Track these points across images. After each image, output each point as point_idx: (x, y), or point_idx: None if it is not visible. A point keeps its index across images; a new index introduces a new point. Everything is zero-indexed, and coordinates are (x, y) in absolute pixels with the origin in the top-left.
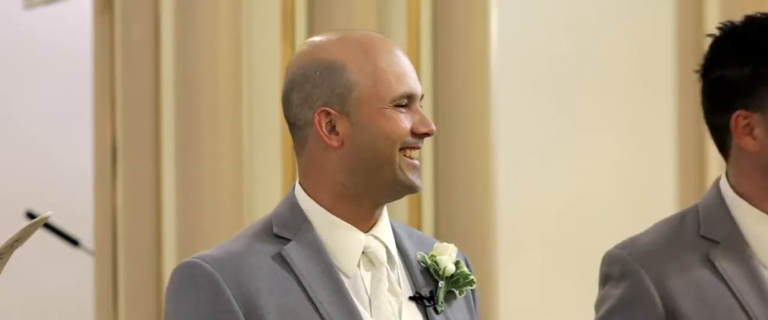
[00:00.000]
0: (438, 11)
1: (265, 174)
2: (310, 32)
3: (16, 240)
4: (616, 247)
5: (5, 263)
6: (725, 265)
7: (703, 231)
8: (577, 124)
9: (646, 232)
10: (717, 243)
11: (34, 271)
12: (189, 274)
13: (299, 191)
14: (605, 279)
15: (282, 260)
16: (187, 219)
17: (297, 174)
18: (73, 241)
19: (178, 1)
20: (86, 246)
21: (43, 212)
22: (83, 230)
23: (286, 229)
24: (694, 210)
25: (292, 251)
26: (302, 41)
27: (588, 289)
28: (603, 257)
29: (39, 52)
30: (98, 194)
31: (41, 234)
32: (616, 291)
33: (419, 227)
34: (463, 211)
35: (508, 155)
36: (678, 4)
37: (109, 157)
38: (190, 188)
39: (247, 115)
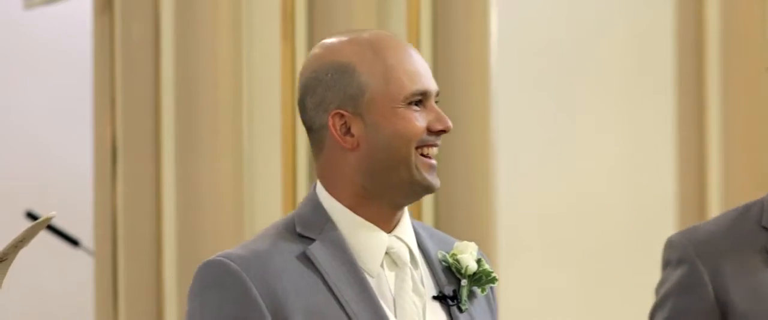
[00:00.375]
0: (438, 11)
1: (265, 174)
2: (310, 32)
3: (21, 241)
4: (678, 233)
5: (10, 264)
6: None
7: (764, 222)
8: (578, 124)
9: (711, 220)
10: None
11: (34, 271)
12: (214, 273)
13: (321, 190)
14: (665, 264)
15: (307, 260)
16: (187, 219)
17: (317, 176)
18: (73, 241)
19: (178, 1)
20: (86, 246)
21: (43, 212)
22: (83, 230)
23: (309, 229)
24: (760, 201)
25: (316, 250)
26: (302, 41)
27: (588, 289)
28: (665, 241)
29: (39, 52)
30: (98, 194)
31: (41, 234)
32: (673, 276)
33: None
34: (463, 211)
35: (508, 155)
36: (678, 3)
37: (109, 157)
38: (190, 188)
39: (247, 115)
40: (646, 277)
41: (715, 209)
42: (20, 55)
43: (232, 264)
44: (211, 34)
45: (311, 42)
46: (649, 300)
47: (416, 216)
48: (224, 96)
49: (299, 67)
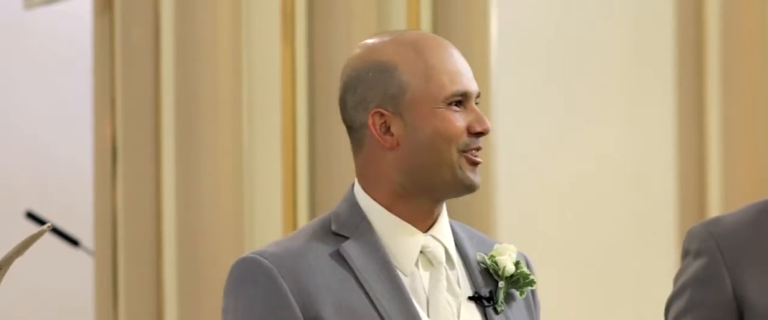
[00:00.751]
0: (438, 11)
1: (265, 174)
2: (310, 32)
3: (16, 252)
4: (701, 223)
5: (4, 274)
6: None
7: None
8: (578, 124)
9: (734, 212)
10: None
11: (33, 271)
12: (247, 270)
13: (358, 190)
14: (685, 254)
15: (340, 257)
16: (187, 219)
17: (356, 174)
18: (73, 241)
19: (178, 1)
20: (86, 246)
21: (44, 212)
22: (83, 230)
23: (344, 227)
24: None
25: (350, 248)
26: (302, 41)
27: (588, 288)
28: (687, 231)
29: (39, 52)
30: (98, 194)
31: None
32: (692, 267)
33: None
34: (463, 211)
35: (508, 155)
36: (678, 2)
37: (109, 157)
38: (190, 188)
39: (247, 115)
40: (647, 277)
41: (715, 209)
42: (20, 55)
43: (264, 260)
44: (211, 34)
45: (311, 42)
46: (650, 299)
47: None
48: (224, 96)
49: (299, 67)
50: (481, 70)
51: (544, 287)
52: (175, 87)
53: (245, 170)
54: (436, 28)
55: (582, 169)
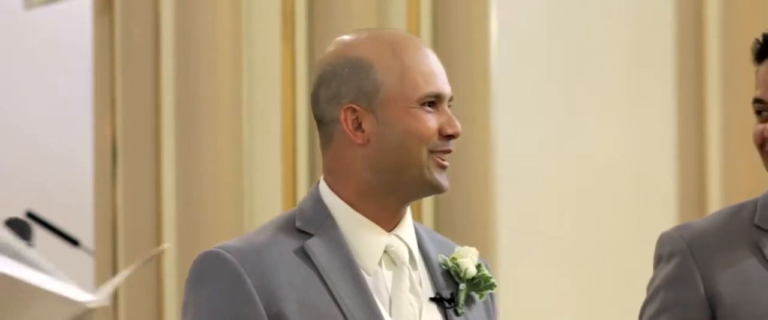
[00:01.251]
0: (438, 11)
1: (265, 173)
2: (310, 32)
3: (134, 270)
4: (672, 229)
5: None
6: None
7: (757, 220)
8: (578, 125)
9: (705, 218)
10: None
11: None
12: (210, 264)
13: (324, 187)
14: (658, 259)
15: (304, 254)
16: (187, 219)
17: (322, 170)
18: (73, 241)
19: (178, 1)
20: (86, 246)
21: (44, 212)
22: (83, 230)
23: (309, 224)
24: (755, 200)
25: (314, 245)
26: (302, 41)
27: (588, 289)
28: (658, 237)
29: (39, 52)
30: (98, 194)
31: (41, 234)
32: (665, 270)
33: None
34: (463, 211)
35: (508, 155)
36: (678, 2)
37: (109, 157)
38: (190, 188)
39: (247, 114)
40: (646, 277)
41: (714, 209)
42: (20, 55)
43: (227, 255)
44: (211, 34)
45: (311, 42)
46: None
47: (416, 216)
48: (224, 96)
49: (299, 67)
50: (481, 70)
51: (544, 287)
52: (175, 87)
53: (245, 170)
54: (436, 28)
55: (582, 169)
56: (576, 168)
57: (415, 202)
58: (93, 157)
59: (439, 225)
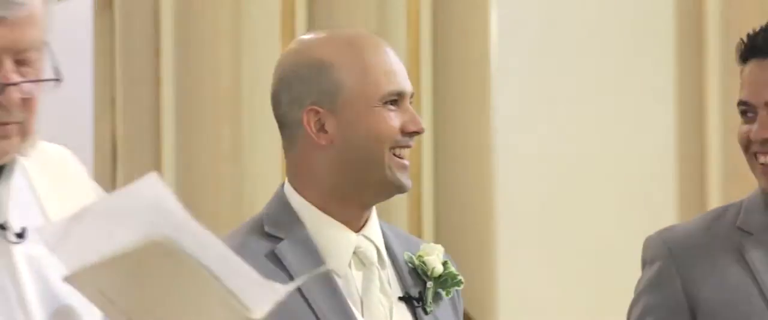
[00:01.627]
0: (438, 10)
1: (265, 173)
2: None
3: None
4: (656, 232)
5: None
6: (754, 256)
7: (739, 223)
8: (578, 124)
9: (690, 221)
10: (750, 234)
11: None
12: None
13: (289, 190)
14: (643, 263)
15: (275, 258)
16: None
17: (286, 173)
18: None
19: (178, 1)
20: None
21: None
22: None
23: (277, 228)
24: (739, 203)
25: (285, 249)
26: None
27: (587, 288)
28: (644, 242)
29: None
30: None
31: None
32: (647, 274)
33: (419, 226)
34: (462, 210)
35: (507, 154)
36: (678, 1)
37: (109, 157)
38: (190, 187)
39: (247, 114)
40: None
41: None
42: None
43: None
44: (211, 33)
45: None
46: None
47: (415, 216)
48: (224, 95)
49: None
50: (481, 70)
51: (544, 287)
52: (175, 86)
53: (245, 170)
54: (436, 28)
55: (582, 169)
56: (576, 167)
57: (414, 202)
58: (93, 156)
59: (439, 225)
